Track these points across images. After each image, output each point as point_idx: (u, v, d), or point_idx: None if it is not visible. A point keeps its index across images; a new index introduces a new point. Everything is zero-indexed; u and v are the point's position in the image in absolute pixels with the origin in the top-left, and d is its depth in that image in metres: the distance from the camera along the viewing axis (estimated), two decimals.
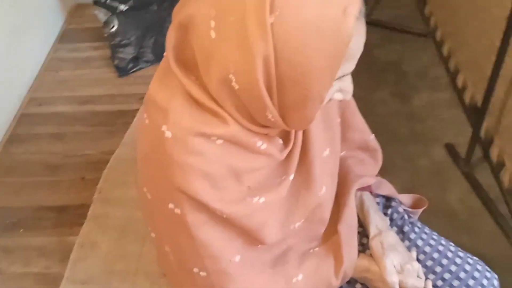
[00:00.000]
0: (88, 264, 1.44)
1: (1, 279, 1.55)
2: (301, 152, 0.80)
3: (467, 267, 0.92)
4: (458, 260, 0.93)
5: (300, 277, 0.85)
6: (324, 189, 0.84)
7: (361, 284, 0.92)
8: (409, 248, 0.94)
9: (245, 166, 0.71)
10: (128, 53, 2.25)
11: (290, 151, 0.78)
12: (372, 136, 1.03)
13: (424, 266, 0.93)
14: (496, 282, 0.92)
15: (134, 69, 2.28)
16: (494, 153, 1.77)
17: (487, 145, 1.82)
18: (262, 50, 0.57)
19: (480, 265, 0.93)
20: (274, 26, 0.57)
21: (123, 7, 2.28)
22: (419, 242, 0.96)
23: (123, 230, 1.50)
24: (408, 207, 1.04)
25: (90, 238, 1.51)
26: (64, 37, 2.56)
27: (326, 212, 0.88)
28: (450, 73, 2.20)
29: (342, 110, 0.94)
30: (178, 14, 0.66)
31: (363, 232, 0.96)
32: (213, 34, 0.60)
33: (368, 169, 1.01)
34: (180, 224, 0.71)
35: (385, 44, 2.40)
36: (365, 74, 2.19)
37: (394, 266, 0.87)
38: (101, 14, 2.31)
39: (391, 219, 0.99)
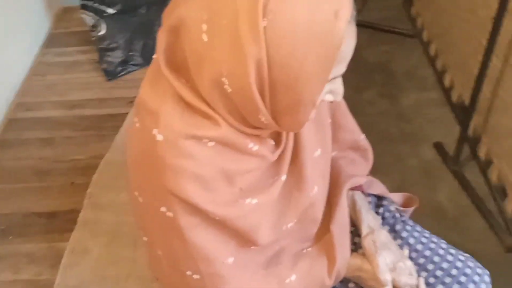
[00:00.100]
0: (80, 270, 1.44)
1: None
2: (293, 153, 0.80)
3: (459, 264, 0.92)
4: (449, 257, 0.94)
5: (293, 277, 0.85)
6: (316, 189, 0.85)
7: (354, 283, 0.93)
8: (401, 247, 0.95)
9: (237, 167, 0.71)
10: (116, 56, 2.24)
11: (282, 152, 0.78)
12: (363, 136, 1.03)
13: (416, 263, 0.93)
14: (487, 278, 0.92)
15: (123, 73, 2.27)
16: (482, 151, 1.79)
17: (475, 143, 1.84)
18: (255, 53, 0.57)
19: (471, 261, 0.94)
20: (267, 30, 0.57)
21: (111, 11, 2.27)
22: (411, 240, 0.97)
23: (114, 235, 1.50)
24: (399, 206, 1.05)
25: (81, 243, 1.50)
26: (51, 41, 2.54)
27: (318, 212, 0.88)
28: (437, 73, 2.22)
29: (333, 110, 0.94)
30: (169, 17, 0.66)
31: (355, 231, 0.97)
32: (205, 38, 0.60)
33: (359, 169, 1.02)
34: (173, 227, 0.70)
35: (373, 45, 2.42)
36: (354, 75, 2.19)
37: (387, 265, 0.87)
38: (88, 18, 2.29)
39: (383, 218, 1.00)
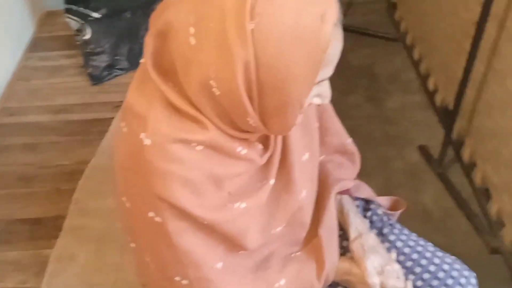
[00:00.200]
0: (66, 277, 1.42)
1: None
2: (281, 156, 0.81)
3: (446, 267, 0.93)
4: (436, 260, 0.95)
5: (282, 281, 0.85)
6: (304, 193, 0.85)
7: (343, 286, 0.93)
8: (388, 250, 0.95)
9: (225, 171, 0.71)
10: (102, 61, 2.23)
11: (270, 156, 0.79)
12: (350, 140, 1.04)
13: (404, 267, 0.94)
14: (474, 280, 0.94)
15: (109, 77, 2.25)
16: (465, 154, 1.82)
17: (459, 146, 1.86)
18: (243, 56, 0.58)
19: (458, 264, 0.95)
20: (254, 33, 0.57)
21: (96, 15, 2.26)
22: (399, 244, 0.97)
23: (101, 241, 1.49)
24: (387, 210, 1.06)
25: (67, 250, 1.49)
26: (34, 46, 2.52)
27: (307, 216, 0.89)
28: (421, 76, 2.25)
29: (320, 114, 0.95)
30: (156, 21, 0.66)
31: (343, 235, 0.97)
32: (192, 41, 0.61)
33: (346, 173, 1.03)
34: (161, 233, 0.70)
35: (357, 48, 2.44)
36: (339, 78, 2.19)
37: (375, 268, 0.88)
38: (73, 22, 2.28)
39: (371, 222, 1.01)
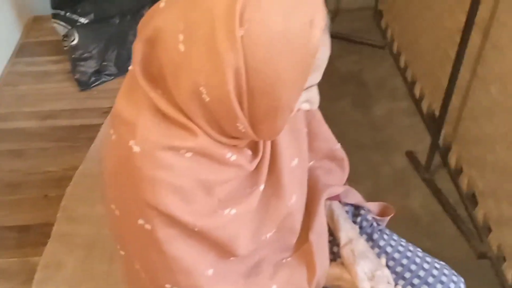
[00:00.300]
0: (54, 285, 1.41)
1: None
2: (270, 162, 0.81)
3: (435, 272, 0.94)
4: (426, 266, 0.95)
5: (273, 287, 0.85)
6: (294, 199, 0.85)
7: None
8: (378, 255, 0.96)
9: (215, 178, 0.71)
10: (89, 66, 2.22)
11: (259, 162, 0.79)
12: (338, 145, 1.05)
13: (394, 272, 0.95)
14: (462, 286, 0.95)
15: (96, 83, 2.24)
16: (452, 159, 1.84)
17: (445, 152, 1.89)
18: (233, 62, 0.58)
19: (447, 269, 0.96)
20: (244, 39, 0.57)
21: (83, 20, 2.25)
22: (388, 249, 0.98)
23: (89, 248, 1.48)
24: (376, 215, 1.07)
25: (55, 258, 1.47)
26: (21, 51, 2.49)
27: (297, 222, 0.89)
28: (408, 83, 2.28)
29: (308, 120, 0.95)
30: (145, 28, 0.66)
31: (333, 240, 0.98)
32: (182, 48, 0.61)
33: (336, 179, 1.03)
34: (151, 240, 0.70)
35: (344, 55, 2.46)
36: (326, 85, 2.20)
37: (365, 273, 0.88)
38: (60, 27, 2.27)
39: (361, 227, 1.01)
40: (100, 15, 2.27)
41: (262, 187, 0.79)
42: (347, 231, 0.95)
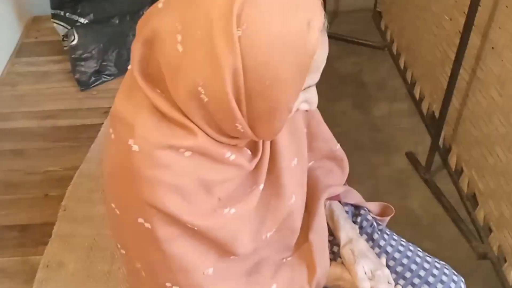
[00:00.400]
0: (55, 285, 1.41)
1: None
2: (270, 162, 0.81)
3: (435, 272, 0.94)
4: (426, 265, 0.96)
5: (273, 287, 0.85)
6: (293, 198, 0.85)
7: None
8: (379, 255, 0.96)
9: (214, 177, 0.71)
10: (89, 66, 2.22)
11: (259, 161, 0.79)
12: (338, 146, 1.05)
13: (394, 272, 0.95)
14: (463, 286, 0.95)
15: (96, 83, 2.24)
16: (452, 160, 1.84)
17: (445, 153, 1.89)
18: (231, 63, 0.58)
19: (447, 269, 0.96)
20: (242, 39, 0.58)
21: (83, 20, 2.25)
22: (389, 249, 0.98)
23: (90, 248, 1.48)
24: (376, 215, 1.07)
25: (56, 257, 1.47)
26: (21, 51, 2.50)
27: (297, 221, 0.89)
28: (407, 84, 2.28)
29: (307, 120, 0.96)
30: (143, 28, 0.66)
31: (333, 240, 0.98)
32: (180, 48, 0.61)
33: (336, 179, 1.03)
34: (151, 239, 0.70)
35: (344, 57, 2.46)
36: (326, 86, 2.23)
37: (365, 273, 0.88)
38: (60, 27, 2.27)
39: (361, 227, 1.02)
40: (99, 15, 2.27)
41: (261, 186, 0.79)
42: (347, 231, 0.95)
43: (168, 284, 0.75)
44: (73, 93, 2.22)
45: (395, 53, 2.45)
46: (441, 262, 0.98)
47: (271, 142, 0.81)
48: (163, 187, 0.66)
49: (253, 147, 0.78)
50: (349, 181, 1.07)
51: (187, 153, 0.66)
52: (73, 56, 2.21)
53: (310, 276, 0.88)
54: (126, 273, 0.87)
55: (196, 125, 0.66)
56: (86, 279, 1.40)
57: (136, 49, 0.67)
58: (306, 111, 0.73)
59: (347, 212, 1.03)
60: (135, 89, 0.67)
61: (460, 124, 1.77)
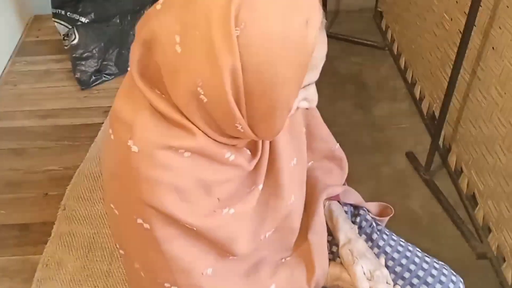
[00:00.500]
0: (54, 284, 1.41)
1: None
2: (269, 162, 0.81)
3: (434, 272, 0.94)
4: (425, 266, 0.96)
5: (272, 287, 0.85)
6: (293, 198, 0.85)
7: None
8: (378, 255, 0.96)
9: (214, 178, 0.71)
10: (90, 66, 2.22)
11: (258, 162, 0.79)
12: (337, 146, 1.05)
13: (393, 272, 0.95)
14: (461, 286, 0.95)
15: (97, 82, 2.25)
16: (452, 160, 1.84)
17: (445, 153, 1.89)
18: (230, 62, 0.58)
19: (446, 269, 0.96)
20: (240, 39, 0.58)
21: (84, 20, 2.25)
22: (388, 249, 0.98)
23: (89, 248, 1.48)
24: (375, 215, 1.07)
25: (55, 256, 1.47)
26: (22, 50, 2.50)
27: (296, 221, 0.89)
28: (408, 84, 2.28)
29: (307, 120, 0.96)
30: (142, 29, 0.66)
31: (332, 240, 0.98)
32: (178, 49, 0.61)
33: (335, 179, 1.03)
34: (150, 240, 0.70)
35: (344, 56, 2.46)
36: (326, 86, 2.24)
37: (364, 273, 0.88)
38: (61, 27, 2.27)
39: (360, 227, 1.02)
40: (100, 14, 2.27)
41: (261, 186, 0.79)
42: (346, 231, 0.95)
43: (167, 285, 0.75)
44: (73, 92, 2.23)
45: (395, 53, 2.44)
46: (440, 262, 0.98)
47: (270, 142, 0.81)
48: (162, 187, 0.66)
49: (253, 147, 0.78)
50: (349, 181, 1.07)
51: (187, 154, 0.66)
52: (73, 55, 2.22)
53: (309, 276, 0.88)
54: (126, 273, 0.87)
55: (195, 125, 0.66)
56: (86, 278, 1.40)
57: (135, 50, 0.67)
58: (307, 109, 0.73)
59: (346, 212, 1.03)
60: (135, 90, 0.67)
61: (460, 124, 1.77)
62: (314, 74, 0.66)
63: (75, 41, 2.20)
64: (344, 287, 0.91)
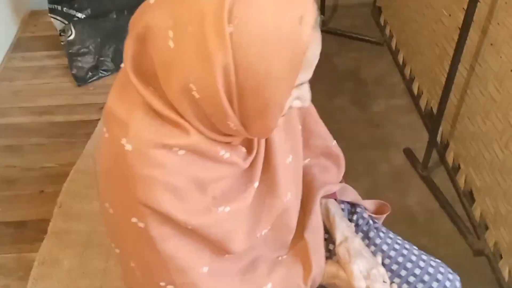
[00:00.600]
0: (50, 281, 1.40)
1: None
2: (265, 159, 0.81)
3: (431, 270, 0.94)
4: (421, 264, 0.96)
5: (269, 285, 0.85)
6: (289, 196, 0.85)
7: None
8: (374, 253, 0.96)
9: (208, 176, 0.70)
10: (86, 62, 2.21)
11: (254, 159, 0.78)
12: (334, 143, 1.05)
13: (390, 270, 0.95)
14: (458, 284, 0.95)
15: (93, 78, 2.24)
16: (449, 157, 1.84)
17: (443, 149, 1.89)
18: (222, 59, 0.58)
19: (442, 267, 0.96)
20: (233, 36, 0.57)
21: (80, 15, 2.24)
22: (384, 247, 0.98)
23: (86, 245, 1.47)
24: (372, 213, 1.07)
25: (52, 254, 1.47)
26: (18, 46, 2.49)
27: (292, 219, 0.89)
28: (406, 80, 2.27)
29: (303, 117, 0.95)
30: (136, 25, 0.66)
31: (329, 238, 0.98)
32: (171, 44, 0.60)
33: (332, 176, 1.03)
34: (145, 238, 0.70)
35: (342, 52, 2.45)
36: (324, 82, 2.23)
37: (361, 272, 0.88)
38: (57, 22, 2.26)
39: (357, 225, 1.01)
40: (97, 10, 2.26)
41: (256, 184, 0.79)
42: (343, 229, 0.95)
43: (162, 283, 0.74)
44: (70, 88, 2.21)
45: (394, 48, 2.44)
46: (437, 260, 0.98)
47: (266, 139, 0.80)
48: (157, 186, 0.65)
49: (248, 145, 0.78)
50: (346, 178, 1.07)
51: (181, 152, 0.66)
52: (70, 51, 2.20)
53: (306, 274, 0.87)
54: (122, 272, 0.86)
55: (189, 123, 0.65)
56: (82, 276, 1.40)
57: (129, 46, 0.66)
58: (300, 108, 0.73)
59: (343, 210, 1.03)
60: (129, 87, 0.67)
61: (458, 120, 1.77)
62: (307, 73, 0.66)
63: (72, 37, 2.18)
64: (341, 285, 0.90)
